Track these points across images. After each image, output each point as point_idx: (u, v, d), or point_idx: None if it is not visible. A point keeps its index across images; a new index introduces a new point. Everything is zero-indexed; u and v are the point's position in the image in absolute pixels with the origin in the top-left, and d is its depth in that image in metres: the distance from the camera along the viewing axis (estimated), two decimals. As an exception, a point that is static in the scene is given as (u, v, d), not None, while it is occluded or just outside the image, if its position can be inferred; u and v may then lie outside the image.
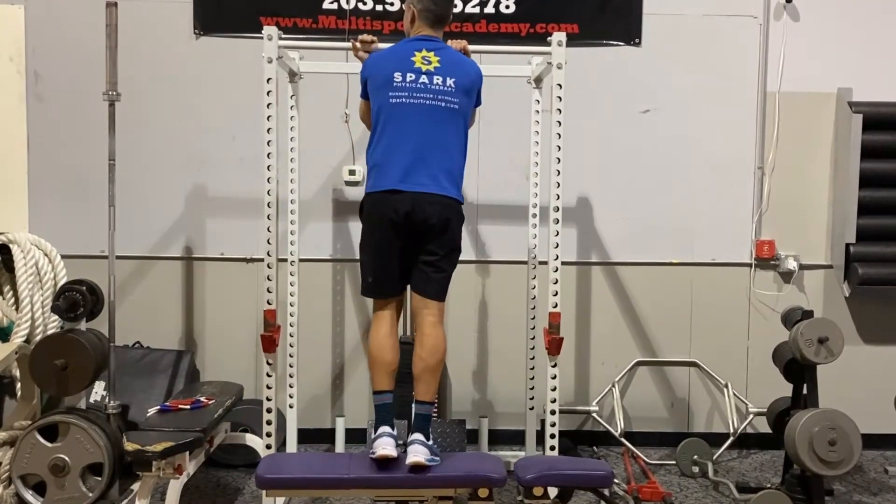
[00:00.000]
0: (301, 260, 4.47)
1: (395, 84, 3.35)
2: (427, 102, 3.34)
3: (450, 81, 3.37)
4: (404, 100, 3.34)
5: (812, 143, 4.87)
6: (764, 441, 4.84)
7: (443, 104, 3.36)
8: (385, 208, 3.34)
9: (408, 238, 3.37)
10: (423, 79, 3.35)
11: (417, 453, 3.22)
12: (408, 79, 3.34)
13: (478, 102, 3.57)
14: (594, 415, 4.80)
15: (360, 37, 3.66)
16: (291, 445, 4.41)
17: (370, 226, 3.44)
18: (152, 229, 4.79)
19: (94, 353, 3.74)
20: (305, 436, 4.65)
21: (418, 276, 3.44)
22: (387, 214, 3.33)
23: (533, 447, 4.51)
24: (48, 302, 4.20)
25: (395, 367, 3.46)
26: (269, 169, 3.71)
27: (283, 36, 3.78)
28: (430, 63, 3.36)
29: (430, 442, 3.34)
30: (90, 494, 3.65)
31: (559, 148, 3.74)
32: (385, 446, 3.24)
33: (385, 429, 3.32)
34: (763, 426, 4.56)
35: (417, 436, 3.30)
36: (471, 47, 3.81)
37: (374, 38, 3.66)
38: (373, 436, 3.39)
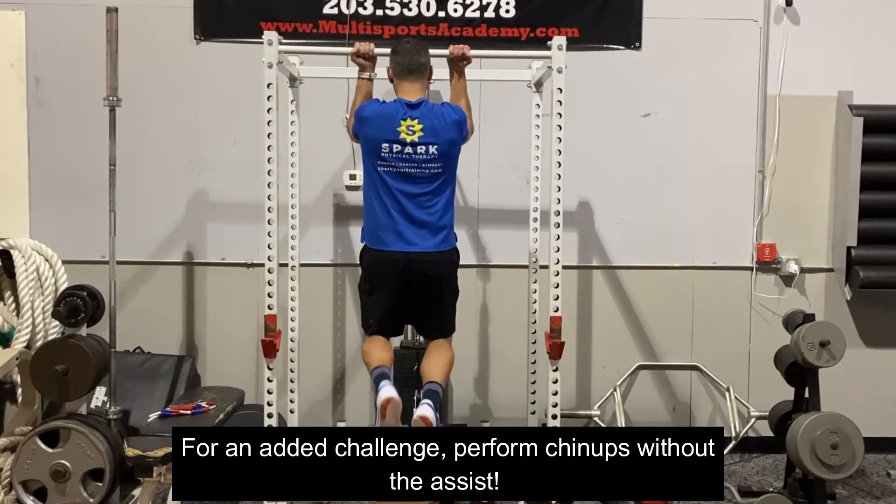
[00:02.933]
0: (302, 265, 4.47)
1: (382, 155, 3.63)
2: (412, 172, 3.63)
3: (432, 149, 3.63)
4: (391, 170, 3.63)
5: (813, 146, 4.87)
6: (766, 445, 4.83)
7: (426, 171, 3.64)
8: (384, 266, 3.68)
9: (408, 289, 3.69)
10: (408, 150, 3.62)
11: (426, 410, 3.39)
12: (394, 150, 3.62)
13: (465, 137, 3.77)
14: (596, 419, 4.80)
15: (359, 45, 3.81)
16: (292, 450, 4.40)
17: (371, 276, 3.76)
18: (153, 234, 4.78)
19: (94, 358, 3.74)
20: (306, 441, 4.63)
21: (424, 326, 3.87)
22: (387, 272, 3.67)
23: (534, 451, 4.50)
24: (49, 307, 4.21)
25: (389, 356, 3.70)
26: (269, 174, 3.71)
27: (284, 41, 3.78)
28: (413, 133, 3.62)
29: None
30: (91, 500, 3.65)
31: (560, 152, 3.73)
32: (387, 391, 3.42)
33: (384, 382, 3.51)
34: (765, 430, 4.55)
35: (426, 401, 3.46)
36: (471, 52, 3.83)
37: (372, 46, 3.79)
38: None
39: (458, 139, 3.72)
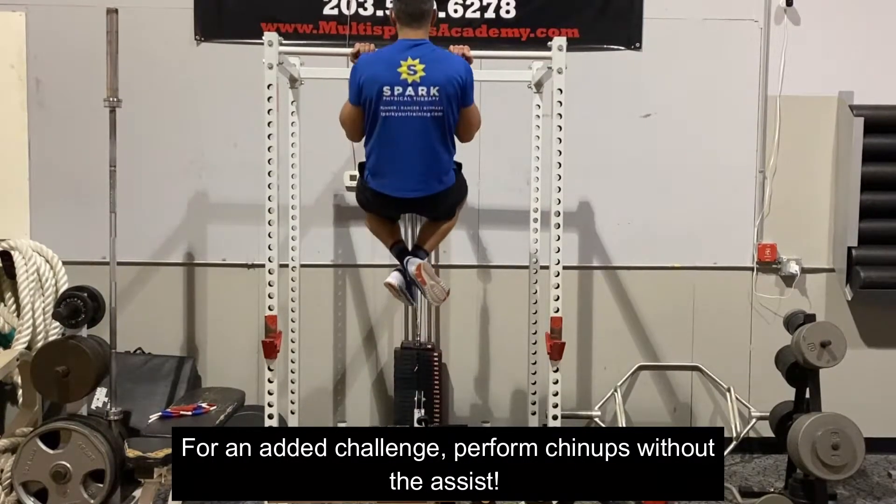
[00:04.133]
0: (302, 265, 4.47)
1: (384, 98, 3.60)
2: (414, 114, 3.61)
3: (434, 90, 3.60)
4: (393, 113, 3.61)
5: (813, 146, 4.87)
6: (767, 445, 4.82)
7: (428, 114, 3.62)
8: (385, 205, 3.82)
9: (409, 210, 4.00)
10: (410, 91, 3.59)
11: (416, 262, 3.75)
12: (395, 92, 3.59)
13: (466, 101, 3.71)
14: (596, 419, 4.79)
15: (359, 45, 3.81)
16: (293, 451, 4.40)
17: (370, 205, 3.89)
18: (153, 235, 4.78)
19: (95, 359, 3.74)
20: (307, 442, 4.63)
21: (429, 217, 3.98)
22: (387, 208, 3.85)
23: (535, 452, 4.50)
24: (49, 308, 4.21)
25: (398, 231, 3.99)
26: (269, 174, 3.71)
27: (284, 42, 3.78)
28: (415, 73, 3.59)
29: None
30: (92, 501, 3.65)
31: (560, 152, 3.73)
32: (393, 277, 3.80)
33: (397, 269, 3.84)
34: (766, 430, 4.54)
35: (416, 252, 3.85)
36: (471, 52, 3.82)
37: (373, 47, 3.79)
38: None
39: (456, 82, 3.63)
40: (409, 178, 3.68)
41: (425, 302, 4.45)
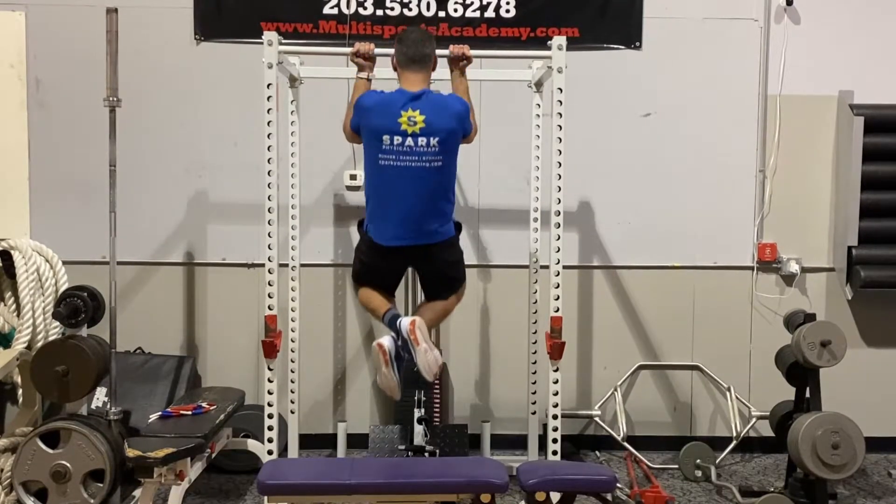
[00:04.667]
0: (302, 265, 4.47)
1: (384, 147, 3.59)
2: (413, 165, 3.59)
3: (433, 142, 3.58)
4: (392, 162, 3.59)
5: (813, 146, 4.87)
6: (767, 445, 4.82)
7: (427, 164, 3.60)
8: (383, 256, 3.70)
9: (405, 267, 3.88)
10: (409, 141, 3.57)
11: (412, 318, 3.53)
12: (395, 142, 3.57)
13: (467, 134, 3.73)
14: (596, 419, 4.79)
15: (359, 45, 3.80)
16: (293, 451, 4.41)
17: (367, 259, 3.77)
18: (153, 235, 4.78)
19: (95, 359, 3.74)
20: (307, 441, 4.64)
21: (428, 288, 3.82)
22: (384, 260, 3.71)
23: (535, 452, 4.51)
24: (49, 308, 4.21)
25: (393, 301, 3.76)
26: (269, 174, 3.72)
27: (284, 41, 3.79)
28: (415, 124, 3.57)
29: None
30: (92, 501, 3.65)
31: (560, 152, 3.74)
32: (385, 339, 3.51)
33: (402, 317, 3.57)
34: (766, 430, 4.54)
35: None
36: (471, 52, 3.83)
37: (372, 46, 3.79)
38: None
39: (458, 130, 3.66)
40: (406, 225, 3.61)
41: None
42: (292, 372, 4.43)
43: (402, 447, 4.28)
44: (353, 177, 4.74)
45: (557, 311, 3.78)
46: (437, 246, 3.68)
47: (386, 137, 3.57)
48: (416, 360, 3.46)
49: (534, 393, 4.50)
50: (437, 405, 4.52)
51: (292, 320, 4.41)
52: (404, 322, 3.49)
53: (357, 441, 4.63)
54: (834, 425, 3.83)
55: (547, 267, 3.85)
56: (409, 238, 3.63)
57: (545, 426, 4.00)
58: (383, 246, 3.66)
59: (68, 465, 3.64)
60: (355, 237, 4.74)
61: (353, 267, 3.85)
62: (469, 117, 3.71)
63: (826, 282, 4.90)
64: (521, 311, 4.63)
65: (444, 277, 3.78)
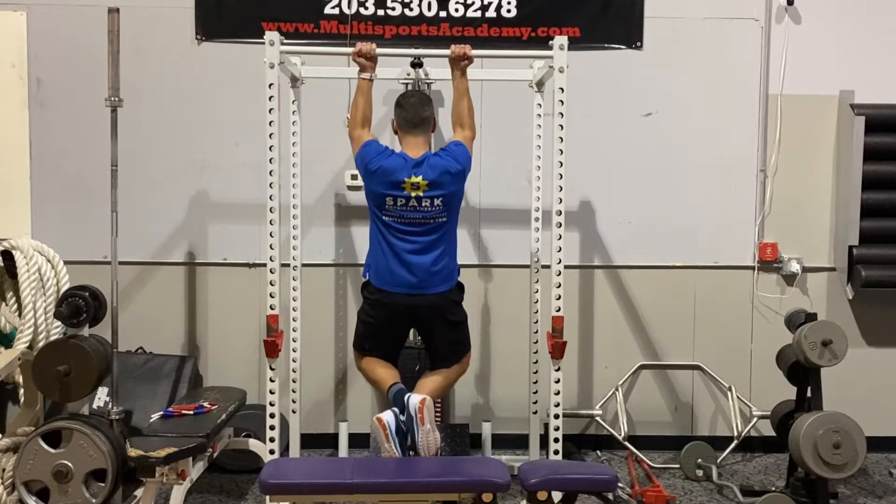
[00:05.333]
0: (304, 265, 4.47)
1: (387, 207, 3.68)
2: (417, 220, 3.68)
3: (437, 202, 3.67)
4: (396, 220, 3.69)
5: (814, 145, 4.87)
6: (768, 444, 4.83)
7: (431, 221, 3.69)
8: (387, 308, 3.75)
9: (408, 325, 3.90)
10: (413, 202, 3.66)
11: (421, 396, 3.54)
12: (398, 202, 3.67)
13: (467, 171, 3.79)
14: (598, 418, 4.79)
15: (360, 45, 3.80)
16: (294, 450, 4.41)
17: (372, 313, 3.80)
18: (155, 235, 4.79)
19: (96, 358, 3.74)
20: (308, 441, 4.64)
21: (432, 352, 3.89)
22: (389, 313, 3.75)
23: (536, 451, 4.51)
24: (51, 308, 4.20)
25: (396, 373, 3.78)
26: (271, 174, 3.72)
27: (285, 41, 3.79)
28: (418, 188, 3.65)
29: None
30: (93, 500, 3.65)
31: (561, 151, 3.74)
32: (386, 415, 3.54)
33: (392, 410, 3.58)
34: (767, 429, 4.55)
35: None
36: (473, 52, 3.83)
37: (374, 46, 3.80)
38: None
39: (460, 189, 3.77)
40: (413, 276, 3.68)
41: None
42: (294, 371, 4.43)
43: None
44: (354, 176, 4.74)
45: (559, 310, 3.78)
46: (441, 299, 3.75)
47: (389, 199, 3.67)
48: (417, 439, 3.49)
49: (535, 392, 4.50)
50: (439, 405, 4.51)
51: (294, 320, 4.41)
52: (413, 399, 3.52)
53: (358, 441, 4.63)
54: (835, 425, 3.83)
55: (548, 266, 3.85)
56: (413, 286, 3.69)
57: (546, 426, 4.00)
58: (388, 293, 3.71)
59: (70, 464, 3.64)
60: (356, 236, 4.79)
61: (355, 333, 3.89)
62: (468, 164, 3.76)
63: (827, 281, 4.90)
64: (523, 310, 4.63)
65: (447, 340, 3.84)
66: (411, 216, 3.67)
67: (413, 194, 3.65)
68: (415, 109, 3.77)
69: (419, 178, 3.65)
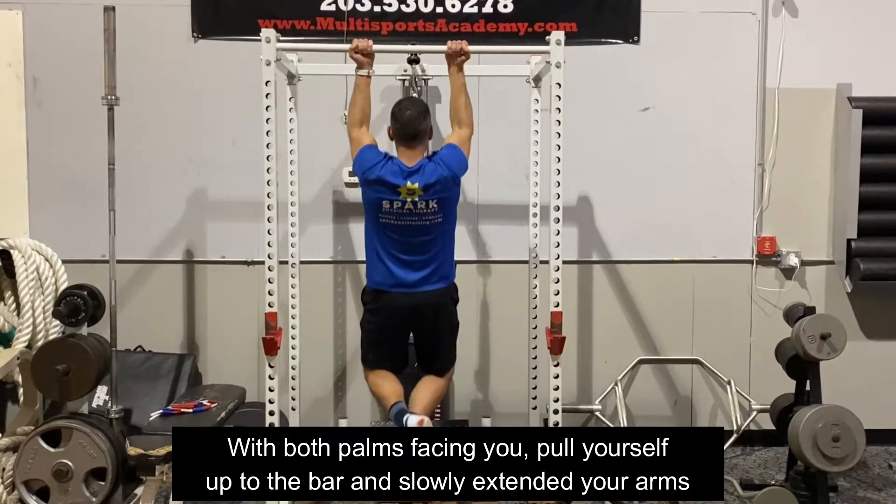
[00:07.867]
0: (302, 262, 4.47)
1: (384, 209, 3.73)
2: (414, 223, 3.74)
3: (433, 204, 3.73)
4: (392, 221, 3.74)
5: (812, 139, 4.87)
6: (767, 438, 4.83)
7: (428, 222, 3.75)
8: (388, 309, 3.82)
9: (408, 325, 3.89)
10: (409, 206, 3.71)
11: (419, 417, 3.62)
12: (395, 206, 3.72)
13: (463, 170, 3.83)
14: (597, 413, 4.80)
15: (357, 41, 3.80)
16: (294, 448, 4.40)
17: (374, 318, 3.89)
18: (153, 233, 4.78)
19: (95, 357, 3.73)
20: (308, 438, 4.64)
21: (424, 359, 3.96)
22: (390, 314, 3.83)
23: (536, 447, 4.50)
24: (49, 307, 4.20)
25: (401, 388, 3.86)
26: (268, 171, 3.71)
27: (281, 38, 3.77)
28: (414, 193, 3.70)
29: None
30: (94, 499, 3.64)
31: (559, 147, 3.73)
32: (416, 417, 3.62)
33: (408, 415, 3.68)
34: (766, 423, 4.55)
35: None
36: (469, 47, 3.82)
37: (371, 42, 3.79)
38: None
39: (456, 192, 3.82)
40: (412, 275, 3.76)
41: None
42: (293, 369, 4.43)
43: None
44: (351, 173, 4.72)
45: (557, 305, 3.78)
46: (439, 296, 3.82)
47: (386, 203, 3.72)
48: None
49: (534, 388, 4.51)
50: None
51: (292, 317, 4.41)
52: (412, 420, 3.62)
53: (358, 437, 4.63)
54: (834, 418, 3.83)
55: (546, 262, 3.85)
56: (410, 285, 3.76)
57: (546, 421, 4.01)
58: (387, 294, 3.79)
59: (70, 463, 3.63)
60: (355, 233, 4.78)
61: (362, 347, 3.99)
62: (465, 166, 3.80)
63: (825, 275, 4.91)
64: (521, 306, 4.63)
65: (442, 343, 3.92)
66: (408, 218, 3.72)
67: (409, 199, 3.70)
68: (412, 123, 3.78)
69: (415, 185, 3.70)
